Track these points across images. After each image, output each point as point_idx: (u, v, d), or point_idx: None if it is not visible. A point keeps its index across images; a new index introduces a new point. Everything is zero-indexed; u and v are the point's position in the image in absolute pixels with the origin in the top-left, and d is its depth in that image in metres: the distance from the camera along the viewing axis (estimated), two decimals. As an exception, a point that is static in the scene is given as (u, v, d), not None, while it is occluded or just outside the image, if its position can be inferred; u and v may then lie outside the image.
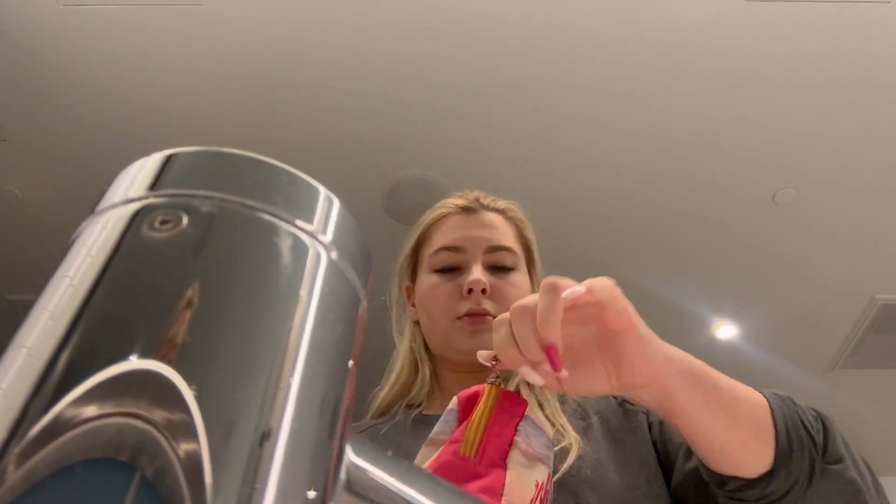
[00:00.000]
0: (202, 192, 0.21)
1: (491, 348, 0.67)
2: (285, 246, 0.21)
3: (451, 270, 0.85)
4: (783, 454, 0.54)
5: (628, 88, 2.36)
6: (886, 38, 2.20)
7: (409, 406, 0.84)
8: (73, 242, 0.21)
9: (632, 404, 0.79)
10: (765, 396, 0.57)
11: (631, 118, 2.44)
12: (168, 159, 0.23)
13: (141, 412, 0.17)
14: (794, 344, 3.37)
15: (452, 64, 2.28)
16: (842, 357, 3.42)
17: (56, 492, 0.15)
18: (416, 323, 0.90)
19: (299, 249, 0.22)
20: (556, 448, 0.63)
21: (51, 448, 0.16)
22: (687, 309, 3.14)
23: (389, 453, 0.24)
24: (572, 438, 0.68)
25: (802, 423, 0.55)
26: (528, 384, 0.74)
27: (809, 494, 0.55)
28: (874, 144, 2.50)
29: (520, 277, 0.86)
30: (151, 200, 0.21)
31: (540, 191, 2.59)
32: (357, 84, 2.33)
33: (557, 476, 0.63)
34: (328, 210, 0.24)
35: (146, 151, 0.24)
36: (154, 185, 0.22)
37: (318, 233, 0.22)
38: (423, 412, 0.82)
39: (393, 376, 0.89)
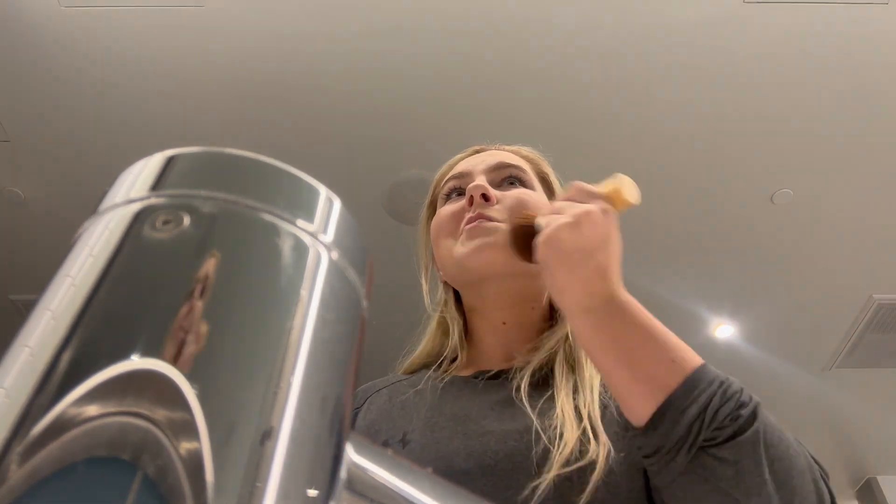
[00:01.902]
0: (204, 193, 0.21)
1: (492, 258, 0.72)
2: (286, 246, 0.21)
3: (456, 196, 0.81)
4: (660, 415, 0.51)
5: (627, 89, 2.36)
6: (884, 39, 2.20)
7: (439, 367, 0.79)
8: (75, 242, 0.21)
9: None
10: (697, 373, 0.52)
11: (630, 119, 2.44)
12: (170, 160, 0.23)
13: (143, 411, 0.17)
14: (792, 343, 3.37)
15: (453, 64, 2.28)
16: (839, 356, 3.43)
17: (58, 490, 0.16)
18: (445, 284, 0.85)
19: (300, 249, 0.22)
20: (578, 463, 0.59)
21: (53, 447, 0.16)
22: (685, 308, 3.14)
23: (390, 452, 0.24)
24: (601, 446, 0.61)
25: (707, 409, 0.50)
26: (571, 368, 0.71)
27: (672, 467, 0.51)
28: (872, 145, 2.50)
29: (529, 191, 0.80)
30: (153, 201, 0.21)
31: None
32: (357, 84, 2.33)
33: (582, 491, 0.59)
34: (329, 210, 0.24)
35: (148, 152, 0.24)
36: (156, 186, 0.22)
37: (319, 233, 0.23)
38: (457, 373, 0.78)
39: (424, 339, 0.85)
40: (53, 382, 0.17)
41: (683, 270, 3.00)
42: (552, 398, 0.67)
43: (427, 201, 0.89)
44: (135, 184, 0.22)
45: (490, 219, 0.74)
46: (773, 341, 3.36)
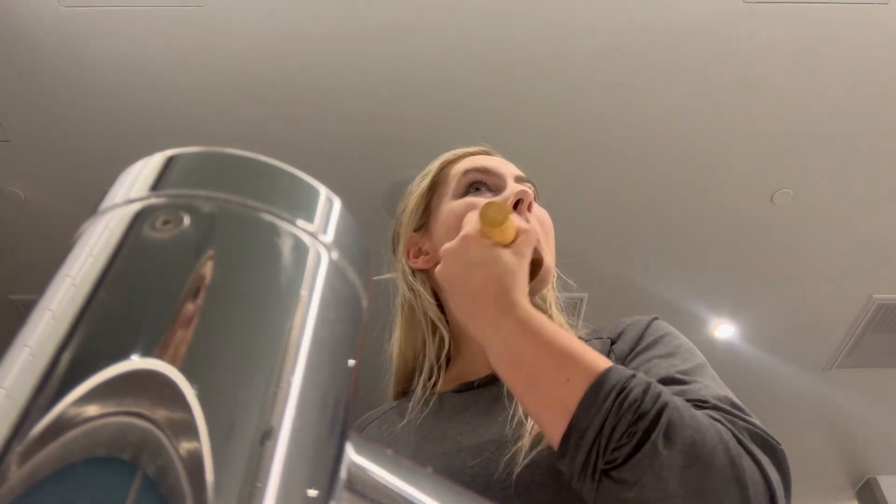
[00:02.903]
0: (203, 193, 0.21)
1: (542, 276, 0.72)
2: (286, 246, 0.21)
3: (485, 190, 0.78)
4: (565, 441, 0.49)
5: (628, 88, 2.36)
6: (884, 39, 2.20)
7: (425, 387, 0.76)
8: (75, 242, 0.22)
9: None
10: (592, 390, 0.49)
11: (630, 118, 2.44)
12: (169, 160, 0.23)
13: (142, 411, 0.17)
14: (792, 343, 3.37)
15: (453, 64, 2.28)
16: (839, 356, 3.43)
17: (58, 490, 0.16)
18: (424, 274, 0.80)
19: (300, 249, 0.22)
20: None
21: (53, 447, 0.16)
22: (685, 308, 3.15)
23: (390, 452, 0.24)
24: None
25: (602, 430, 0.47)
26: None
27: (587, 492, 0.49)
28: (872, 145, 2.50)
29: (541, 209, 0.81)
30: (153, 201, 0.21)
31: (538, 190, 2.58)
32: (358, 85, 2.33)
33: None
34: (329, 210, 0.24)
35: (148, 152, 0.24)
36: (156, 186, 0.22)
37: (319, 233, 0.23)
38: (442, 390, 0.76)
39: (397, 352, 0.82)
40: (53, 382, 0.17)
41: (683, 270, 3.00)
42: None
43: (428, 182, 0.85)
44: (135, 184, 0.22)
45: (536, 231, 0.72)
46: (773, 341, 3.36)
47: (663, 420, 0.46)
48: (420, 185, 0.86)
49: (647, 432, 0.46)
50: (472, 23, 2.18)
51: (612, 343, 0.71)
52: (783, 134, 2.48)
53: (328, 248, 0.23)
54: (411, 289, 0.80)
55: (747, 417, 0.53)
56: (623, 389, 0.48)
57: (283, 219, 0.22)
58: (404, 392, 0.83)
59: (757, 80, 2.32)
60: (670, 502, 0.45)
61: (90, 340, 0.18)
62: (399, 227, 0.86)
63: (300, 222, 0.22)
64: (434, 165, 0.86)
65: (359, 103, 2.38)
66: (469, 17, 2.17)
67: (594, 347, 0.62)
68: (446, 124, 2.43)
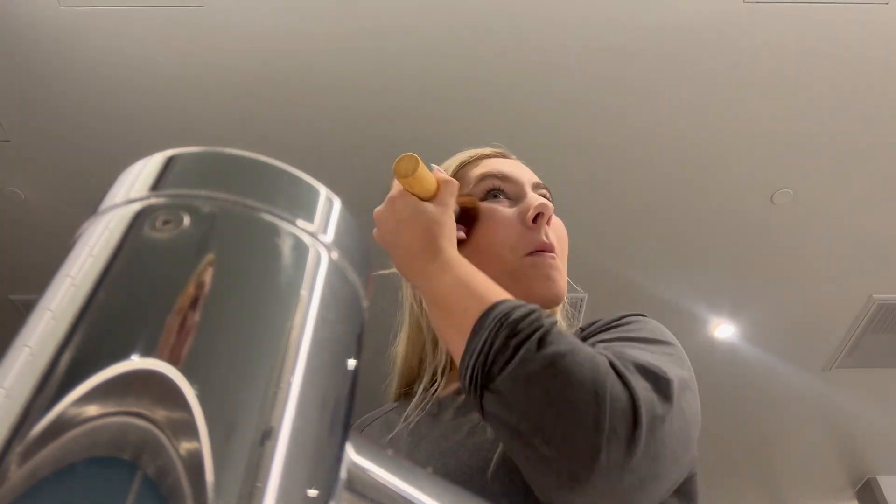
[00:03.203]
0: (203, 193, 0.21)
1: (560, 294, 0.74)
2: (286, 246, 0.21)
3: (503, 198, 0.77)
4: (462, 361, 0.53)
5: (628, 88, 2.36)
6: (884, 39, 2.20)
7: (426, 390, 0.77)
8: (75, 242, 0.22)
9: None
10: (484, 315, 0.53)
11: (629, 118, 2.44)
12: (169, 160, 0.23)
13: (143, 411, 0.17)
14: (792, 343, 3.37)
15: (453, 64, 2.28)
16: (839, 356, 3.43)
17: (58, 490, 0.16)
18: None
19: (300, 249, 0.22)
20: None
21: (53, 447, 0.16)
22: (685, 308, 3.15)
23: (389, 452, 0.24)
24: None
25: (482, 348, 0.50)
26: None
27: (480, 412, 0.52)
28: (872, 145, 2.50)
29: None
30: (153, 201, 0.21)
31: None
32: (358, 84, 2.33)
33: None
34: (329, 210, 0.24)
35: (148, 152, 0.24)
36: (155, 186, 0.22)
37: (319, 233, 0.23)
38: (441, 394, 0.76)
39: (400, 356, 0.83)
40: (53, 382, 0.17)
41: (683, 270, 3.00)
42: None
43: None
44: (135, 184, 0.22)
45: (556, 255, 0.74)
46: (773, 341, 3.36)
47: (536, 336, 0.49)
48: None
49: (518, 346, 0.49)
50: (472, 22, 2.18)
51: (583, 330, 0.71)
52: (783, 134, 2.48)
53: (328, 248, 0.23)
54: (416, 298, 0.81)
55: (644, 363, 0.51)
56: (506, 313, 0.52)
57: (283, 219, 0.22)
58: (406, 394, 0.83)
59: (757, 80, 2.32)
60: (532, 413, 0.47)
61: (90, 340, 0.18)
62: None
63: (300, 222, 0.22)
64: (450, 166, 0.84)
65: (359, 103, 2.38)
66: (469, 17, 2.17)
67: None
68: (447, 124, 2.43)
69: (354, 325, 0.23)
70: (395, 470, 0.24)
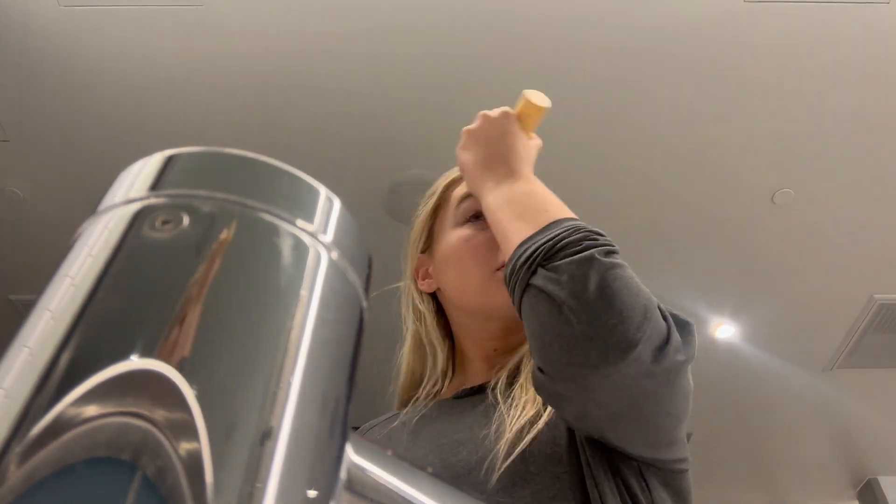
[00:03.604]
0: (203, 193, 0.21)
1: None
2: (286, 246, 0.21)
3: (480, 220, 0.79)
4: (520, 245, 0.59)
5: (627, 89, 2.36)
6: (886, 39, 2.20)
7: (428, 395, 0.80)
8: (74, 242, 0.21)
9: None
10: (562, 220, 0.60)
11: (630, 118, 2.44)
12: (169, 160, 0.23)
13: (142, 411, 0.17)
14: (793, 343, 3.37)
15: (453, 64, 2.28)
16: (840, 356, 3.42)
17: (58, 491, 0.16)
18: (431, 296, 0.84)
19: (300, 249, 0.22)
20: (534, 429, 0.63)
21: (52, 447, 0.16)
22: (686, 308, 3.13)
23: (389, 453, 0.24)
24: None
25: (555, 238, 0.56)
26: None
27: (518, 286, 0.57)
28: (873, 145, 2.50)
29: None
30: (152, 201, 0.21)
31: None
32: (357, 84, 2.33)
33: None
34: (329, 210, 0.24)
35: (147, 151, 0.24)
36: (155, 186, 0.22)
37: (319, 233, 0.23)
38: (441, 397, 0.79)
39: (405, 367, 0.85)
40: (53, 382, 0.17)
41: (684, 270, 3.00)
42: (520, 385, 0.70)
43: (432, 203, 0.86)
44: (134, 184, 0.22)
45: None
46: (774, 341, 3.36)
47: (608, 247, 0.56)
48: (426, 205, 0.87)
49: (589, 246, 0.55)
50: (473, 22, 2.18)
51: None
52: (783, 134, 2.48)
53: (328, 248, 0.23)
54: (416, 312, 0.83)
55: (677, 313, 0.59)
56: (585, 227, 0.58)
57: (282, 219, 0.22)
58: (408, 401, 0.84)
59: (757, 80, 2.32)
60: (583, 294, 0.52)
61: (90, 340, 0.18)
62: (409, 245, 0.88)
63: (300, 222, 0.22)
64: (439, 186, 0.87)
65: (359, 103, 2.38)
66: (469, 17, 2.17)
67: None
68: (446, 124, 2.43)
69: (354, 326, 0.23)
70: (395, 470, 0.24)
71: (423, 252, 0.85)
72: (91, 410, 0.16)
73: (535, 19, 2.17)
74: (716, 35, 2.20)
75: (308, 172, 0.24)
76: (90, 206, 0.23)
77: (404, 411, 0.80)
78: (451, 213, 0.82)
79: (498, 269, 0.74)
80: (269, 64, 2.26)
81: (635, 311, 0.52)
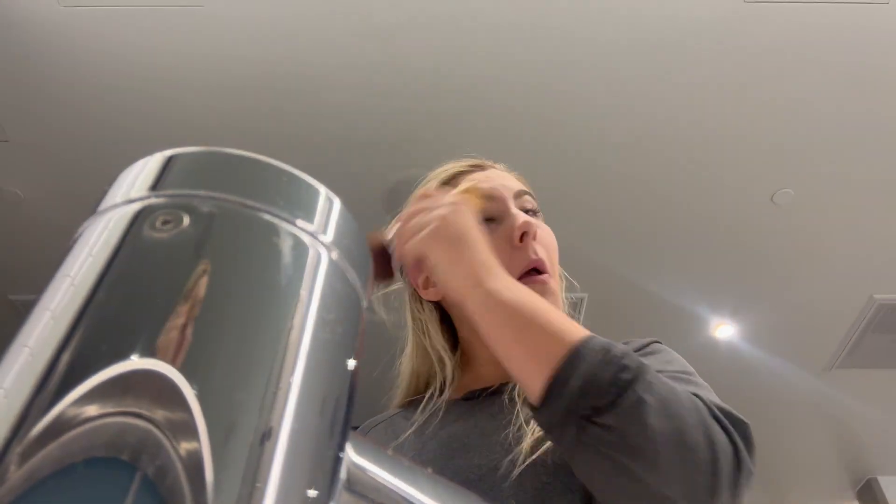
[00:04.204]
0: (203, 193, 0.21)
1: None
2: (286, 246, 0.21)
3: (484, 220, 0.75)
4: (548, 390, 0.51)
5: (628, 89, 2.36)
6: (886, 39, 2.20)
7: (434, 397, 0.77)
8: (74, 242, 0.21)
9: None
10: (580, 344, 0.51)
11: (630, 119, 2.44)
12: (169, 160, 0.23)
13: (142, 411, 0.17)
14: (793, 343, 3.37)
15: (453, 64, 2.28)
16: (840, 356, 3.42)
17: (58, 490, 0.16)
18: (433, 306, 0.80)
19: (300, 249, 0.22)
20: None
21: (53, 447, 0.16)
22: (686, 308, 3.14)
23: (389, 453, 0.24)
24: None
25: (588, 378, 0.50)
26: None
27: (567, 441, 0.51)
28: (873, 145, 2.50)
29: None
30: (153, 200, 0.21)
31: (539, 191, 2.59)
32: (357, 84, 2.33)
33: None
34: (329, 210, 0.24)
35: (147, 152, 0.24)
36: (155, 186, 0.22)
37: (319, 233, 0.23)
38: (451, 398, 0.76)
39: (408, 368, 0.82)
40: (53, 382, 0.17)
41: (684, 270, 3.00)
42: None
43: None
44: (134, 184, 0.22)
45: (546, 274, 0.73)
46: (774, 341, 3.36)
47: (645, 376, 0.50)
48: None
49: (630, 382, 0.49)
50: (473, 22, 2.18)
51: None
52: (783, 134, 2.48)
53: (328, 248, 0.23)
54: (417, 322, 0.81)
55: (723, 407, 0.54)
56: (607, 347, 0.51)
57: (282, 219, 0.22)
58: (410, 402, 0.82)
59: (757, 80, 2.32)
60: (646, 448, 0.48)
61: (90, 340, 0.18)
62: None
63: (300, 222, 0.22)
64: (432, 185, 0.83)
65: (359, 102, 2.38)
66: (469, 17, 2.16)
67: None
68: (446, 124, 2.43)
69: (354, 326, 0.23)
70: (395, 470, 0.24)
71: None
72: (91, 410, 0.16)
73: (536, 18, 2.17)
74: (716, 35, 2.20)
75: (308, 172, 0.24)
76: (90, 206, 0.23)
77: (414, 414, 0.77)
78: None
79: (518, 278, 0.70)
80: (269, 64, 2.26)
81: (702, 450, 0.49)
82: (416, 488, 0.24)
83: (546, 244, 0.77)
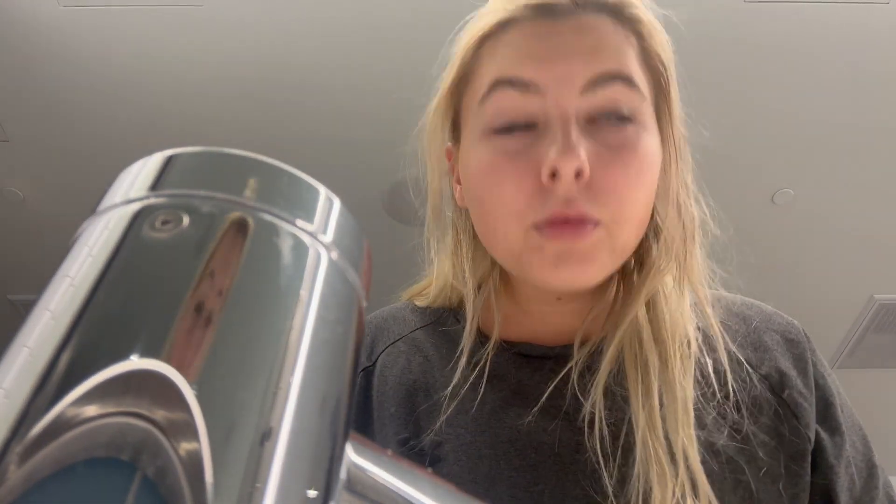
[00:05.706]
0: (203, 193, 0.21)
1: (588, 283, 0.49)
2: (286, 246, 0.21)
3: (520, 130, 0.49)
4: None
5: (628, 88, 2.35)
6: (886, 38, 2.20)
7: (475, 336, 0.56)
8: (74, 242, 0.21)
9: None
10: None
11: (630, 118, 2.44)
12: (169, 159, 0.23)
13: (142, 412, 0.17)
14: (794, 344, 3.37)
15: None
16: (840, 357, 3.42)
17: (57, 491, 0.15)
18: (466, 213, 0.57)
19: (300, 249, 0.22)
20: None
21: (52, 447, 0.16)
22: (686, 309, 3.14)
23: (389, 453, 0.24)
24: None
25: None
26: (642, 362, 0.52)
27: None
28: (873, 145, 2.50)
29: (646, 139, 0.52)
30: (152, 200, 0.21)
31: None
32: (357, 84, 2.33)
33: None
34: (328, 210, 0.24)
35: (147, 151, 0.24)
36: (155, 186, 0.22)
37: (319, 233, 0.23)
38: (505, 338, 0.57)
39: (440, 275, 0.63)
40: (53, 382, 0.17)
41: (684, 270, 3.00)
42: (629, 423, 0.49)
43: (456, 71, 0.59)
44: (134, 183, 0.22)
45: (588, 227, 0.47)
46: (774, 341, 3.36)
47: None
48: (446, 79, 0.59)
49: None
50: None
51: (753, 367, 0.55)
52: (783, 134, 2.48)
53: (328, 248, 0.23)
54: (454, 227, 0.61)
55: None
56: None
57: (282, 219, 0.22)
58: (436, 321, 0.62)
59: (757, 80, 2.32)
60: None
61: (89, 340, 0.18)
62: (425, 137, 0.62)
63: (300, 222, 0.22)
64: (462, 45, 0.58)
65: (359, 102, 2.38)
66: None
67: (728, 363, 0.53)
68: (446, 124, 2.43)
69: (354, 326, 0.23)
70: (395, 471, 0.24)
71: (452, 142, 0.59)
72: (91, 410, 0.16)
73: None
74: (716, 34, 2.20)
75: (308, 172, 0.24)
76: (90, 206, 0.23)
77: (439, 343, 0.58)
78: (478, 98, 0.53)
79: (535, 228, 0.48)
80: (268, 63, 2.26)
81: None
82: (416, 489, 0.24)
83: (616, 192, 0.48)
